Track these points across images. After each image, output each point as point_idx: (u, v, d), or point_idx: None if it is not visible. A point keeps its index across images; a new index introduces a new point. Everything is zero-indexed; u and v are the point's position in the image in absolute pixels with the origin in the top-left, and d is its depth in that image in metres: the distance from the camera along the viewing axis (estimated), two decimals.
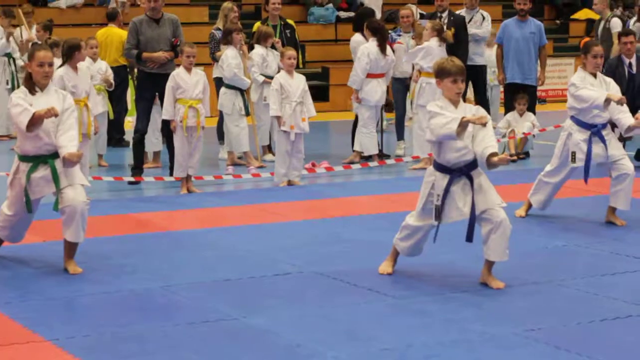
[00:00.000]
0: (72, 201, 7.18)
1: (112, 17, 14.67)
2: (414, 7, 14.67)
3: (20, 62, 14.83)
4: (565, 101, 21.46)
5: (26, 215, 7.46)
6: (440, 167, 6.91)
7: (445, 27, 12.93)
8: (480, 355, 5.62)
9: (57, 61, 9.84)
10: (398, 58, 12.88)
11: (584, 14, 23.30)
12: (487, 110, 11.29)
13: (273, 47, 12.75)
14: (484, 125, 6.70)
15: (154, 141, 12.05)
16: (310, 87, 11.68)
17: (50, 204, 7.34)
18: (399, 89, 12.93)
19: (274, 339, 5.88)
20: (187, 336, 5.91)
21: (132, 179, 11.15)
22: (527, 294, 6.80)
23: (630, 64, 12.22)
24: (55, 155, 7.24)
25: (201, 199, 10.36)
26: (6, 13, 14.96)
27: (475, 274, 7.04)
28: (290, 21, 13.81)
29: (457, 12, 14.14)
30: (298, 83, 11.06)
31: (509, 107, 13.61)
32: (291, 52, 11.13)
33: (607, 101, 8.60)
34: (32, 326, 6.05)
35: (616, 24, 14.47)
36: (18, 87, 10.71)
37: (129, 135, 13.48)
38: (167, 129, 11.00)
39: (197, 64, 11.19)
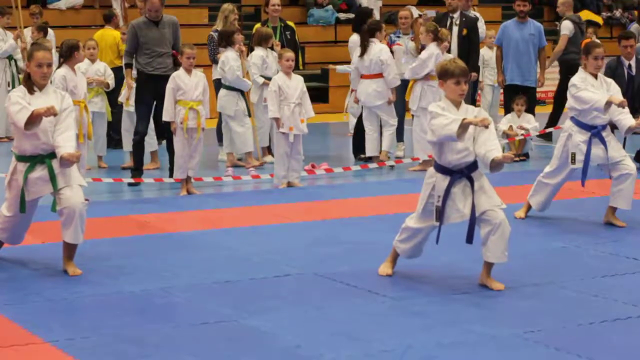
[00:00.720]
0: (71, 202, 7.18)
1: (108, 19, 14.69)
2: (413, 9, 14.67)
3: (22, 64, 14.83)
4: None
5: (25, 216, 7.46)
6: (441, 169, 6.91)
7: (459, 27, 12.99)
8: (480, 356, 5.62)
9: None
10: (397, 59, 12.89)
11: (583, 15, 23.27)
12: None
13: (272, 48, 12.76)
14: (486, 127, 6.70)
15: (149, 141, 12.04)
16: (310, 89, 11.69)
17: (49, 206, 7.33)
18: (398, 90, 12.91)
19: (274, 341, 5.87)
20: (187, 338, 5.90)
21: (131, 181, 11.16)
22: (527, 295, 6.80)
23: (629, 65, 12.22)
24: (52, 155, 7.23)
25: (201, 201, 10.36)
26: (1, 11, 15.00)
27: (475, 275, 7.04)
28: (290, 23, 13.81)
29: (441, 12, 14.22)
30: (296, 84, 11.06)
31: (508, 108, 13.61)
32: (289, 53, 11.13)
33: (608, 104, 8.60)
34: (32, 328, 6.04)
35: (566, 26, 14.50)
36: None
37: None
38: (167, 131, 11.00)
39: (197, 66, 11.20)
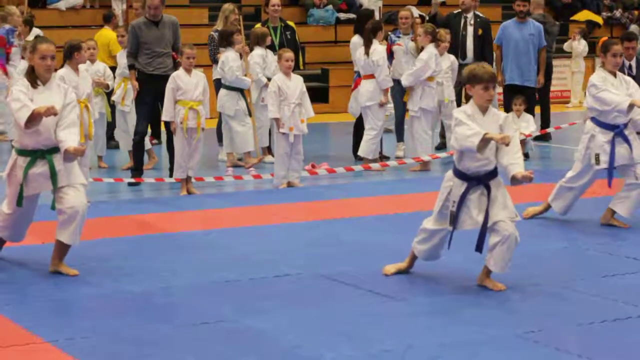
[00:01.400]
0: (74, 203, 7.15)
1: (107, 19, 14.69)
2: (413, 9, 14.68)
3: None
4: (565, 102, 21.42)
5: (26, 213, 7.43)
6: (460, 174, 6.86)
7: (474, 27, 13.01)
8: (481, 357, 5.62)
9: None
10: (397, 60, 12.90)
11: (583, 15, 23.29)
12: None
13: (270, 47, 12.78)
14: (507, 145, 6.63)
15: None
16: (310, 89, 11.69)
17: (49, 204, 7.32)
18: (398, 90, 12.92)
19: (274, 341, 5.87)
20: (187, 338, 5.90)
21: (132, 180, 11.16)
22: (527, 295, 6.80)
23: (630, 66, 12.22)
24: (53, 150, 7.20)
25: (201, 201, 10.36)
26: None
27: (476, 275, 7.03)
28: (290, 23, 13.82)
29: (453, 12, 14.23)
30: (296, 84, 11.05)
31: (507, 108, 13.60)
32: (288, 54, 11.12)
33: (631, 107, 8.53)
34: (32, 328, 6.04)
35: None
36: None
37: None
38: (167, 131, 11.01)
39: (197, 66, 11.20)
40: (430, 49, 12.12)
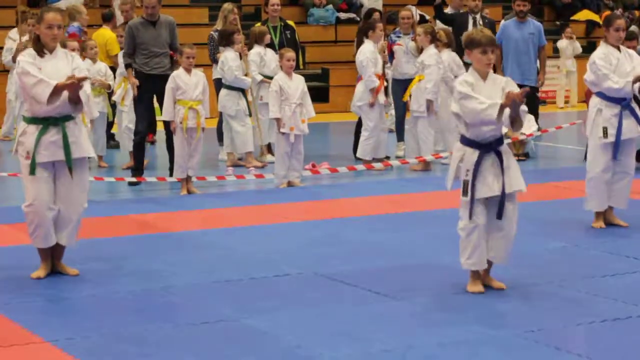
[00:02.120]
0: (71, 204, 7.14)
1: (106, 19, 14.68)
2: (413, 9, 14.67)
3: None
4: (565, 102, 21.33)
5: (48, 199, 7.06)
6: (470, 142, 6.75)
7: (481, 28, 13.03)
8: (481, 356, 5.62)
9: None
10: (398, 60, 12.90)
11: (583, 15, 23.29)
12: None
13: (270, 47, 12.79)
14: (524, 97, 6.54)
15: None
16: (310, 89, 11.68)
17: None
18: (398, 90, 12.92)
19: (274, 341, 5.87)
20: (187, 337, 5.90)
21: (132, 180, 11.16)
22: (527, 295, 6.80)
23: None
24: (67, 118, 7.08)
25: (201, 200, 10.36)
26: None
27: None
28: (290, 22, 13.83)
29: (446, 11, 14.28)
30: (297, 84, 11.05)
31: None
32: (290, 53, 11.12)
33: (635, 82, 8.44)
34: (32, 327, 6.04)
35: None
36: None
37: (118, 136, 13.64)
38: (166, 130, 11.01)
39: (197, 65, 11.20)
40: (431, 51, 12.11)
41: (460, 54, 13.69)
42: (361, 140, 12.45)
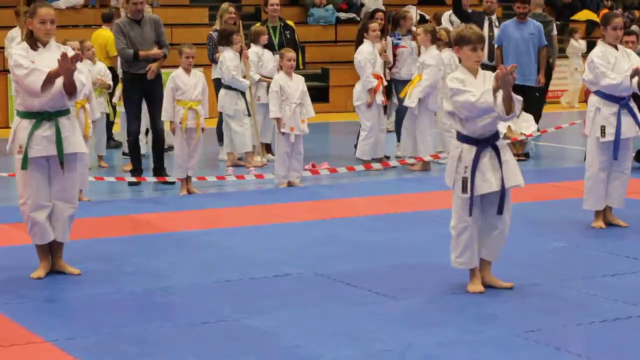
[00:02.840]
0: (65, 199, 7.14)
1: (106, 19, 14.66)
2: (413, 10, 14.70)
3: None
4: (556, 102, 21.24)
5: (41, 196, 7.10)
6: (466, 139, 6.75)
7: (470, 25, 13.04)
8: (480, 356, 5.62)
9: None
10: (403, 61, 12.94)
11: (584, 15, 23.29)
12: None
13: (269, 47, 12.79)
14: (512, 73, 6.46)
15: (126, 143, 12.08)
16: (310, 88, 11.68)
17: None
18: (400, 90, 12.92)
19: (274, 340, 5.87)
20: (187, 337, 5.90)
21: (132, 179, 11.16)
22: (527, 295, 6.79)
23: None
24: (61, 113, 7.07)
25: (201, 200, 10.36)
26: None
27: None
28: (290, 22, 13.82)
29: (475, 10, 14.35)
30: (297, 84, 11.05)
31: None
32: (290, 53, 11.12)
33: (632, 76, 8.41)
34: (32, 327, 6.04)
35: (445, 19, 15.19)
36: None
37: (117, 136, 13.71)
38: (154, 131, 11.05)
39: (197, 65, 11.20)
40: (433, 51, 12.11)
41: None
42: (360, 140, 12.46)
